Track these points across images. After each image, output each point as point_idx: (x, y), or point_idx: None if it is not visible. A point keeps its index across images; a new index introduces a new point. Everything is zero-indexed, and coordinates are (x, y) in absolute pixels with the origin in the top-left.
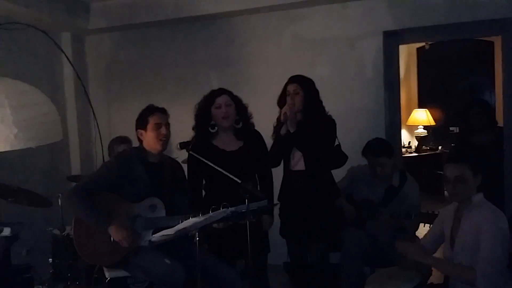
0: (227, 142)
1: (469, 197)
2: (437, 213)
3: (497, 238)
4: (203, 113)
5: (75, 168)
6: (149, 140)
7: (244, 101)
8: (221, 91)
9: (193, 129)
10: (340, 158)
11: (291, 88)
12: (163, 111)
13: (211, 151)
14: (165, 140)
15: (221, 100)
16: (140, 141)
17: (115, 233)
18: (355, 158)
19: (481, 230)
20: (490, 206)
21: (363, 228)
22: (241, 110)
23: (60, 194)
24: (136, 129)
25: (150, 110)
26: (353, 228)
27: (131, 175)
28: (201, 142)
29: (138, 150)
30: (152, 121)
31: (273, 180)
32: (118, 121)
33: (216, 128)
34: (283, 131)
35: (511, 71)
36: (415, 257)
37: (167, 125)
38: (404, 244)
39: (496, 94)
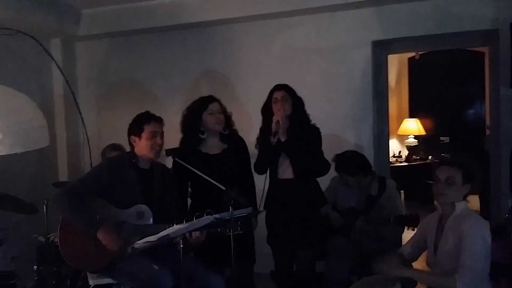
0: (211, 146)
1: (453, 202)
2: (414, 214)
3: (478, 245)
4: (195, 119)
5: (63, 174)
6: (143, 148)
7: (233, 108)
8: (213, 98)
9: (182, 133)
10: (324, 165)
11: (279, 95)
12: (159, 120)
13: (195, 156)
14: (158, 149)
15: (214, 107)
16: (132, 146)
17: (103, 237)
18: None
19: (463, 237)
20: (474, 214)
21: (347, 236)
22: (227, 117)
23: (45, 201)
24: (129, 135)
25: (146, 118)
26: (338, 236)
27: (121, 180)
28: (187, 148)
29: (130, 156)
30: (147, 129)
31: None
32: (107, 128)
33: (205, 134)
34: (273, 140)
35: (497, 81)
36: (394, 274)
37: (162, 134)
38: (381, 265)
39: (486, 104)
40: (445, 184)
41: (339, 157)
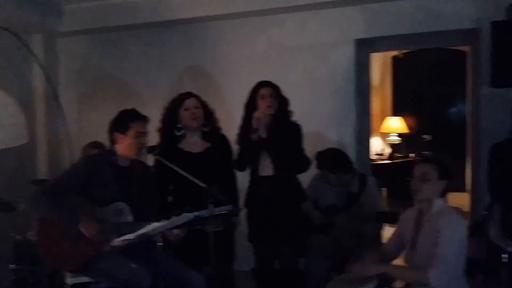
0: (194, 145)
1: (430, 198)
2: (394, 211)
3: (452, 241)
4: (171, 115)
5: (42, 172)
6: (126, 146)
7: (217, 105)
8: (190, 94)
9: (158, 131)
10: (305, 162)
11: (265, 91)
12: (146, 120)
13: (177, 155)
14: (142, 149)
15: (190, 102)
16: (113, 143)
17: (85, 228)
18: None
19: (439, 233)
20: (451, 211)
21: (328, 234)
22: (208, 114)
23: (20, 198)
24: (112, 131)
25: (133, 116)
26: (318, 233)
27: (99, 178)
28: (167, 146)
29: (109, 153)
30: (134, 128)
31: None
32: (89, 125)
33: (182, 131)
34: (254, 137)
35: (479, 80)
36: (366, 274)
37: (146, 134)
38: (352, 267)
39: (467, 103)
40: (420, 180)
41: (320, 155)
